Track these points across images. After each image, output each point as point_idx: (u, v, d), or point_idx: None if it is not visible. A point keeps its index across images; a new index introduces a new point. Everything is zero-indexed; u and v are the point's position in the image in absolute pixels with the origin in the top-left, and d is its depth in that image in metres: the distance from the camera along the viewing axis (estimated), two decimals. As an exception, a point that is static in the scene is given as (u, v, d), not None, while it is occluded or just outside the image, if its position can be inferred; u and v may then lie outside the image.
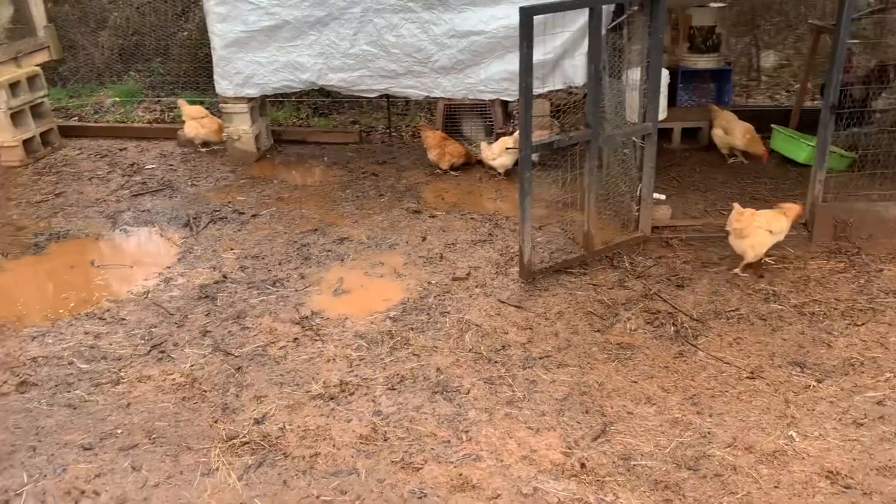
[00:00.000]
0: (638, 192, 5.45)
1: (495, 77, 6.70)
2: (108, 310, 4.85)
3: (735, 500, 3.21)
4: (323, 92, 8.07)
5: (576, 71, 6.52)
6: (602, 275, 5.12)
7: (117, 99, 9.42)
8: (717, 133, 7.00)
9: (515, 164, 6.72)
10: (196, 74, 9.32)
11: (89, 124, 8.73)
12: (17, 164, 7.41)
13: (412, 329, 4.53)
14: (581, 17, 6.20)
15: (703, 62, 7.34)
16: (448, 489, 3.31)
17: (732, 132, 6.86)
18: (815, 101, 7.94)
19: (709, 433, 3.60)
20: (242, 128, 7.35)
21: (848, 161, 6.36)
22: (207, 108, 8.04)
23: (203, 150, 7.76)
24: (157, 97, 9.40)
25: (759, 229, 4.90)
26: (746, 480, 3.31)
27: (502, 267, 5.25)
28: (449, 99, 7.25)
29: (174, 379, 4.13)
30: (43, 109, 7.88)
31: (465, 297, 4.88)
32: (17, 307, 4.94)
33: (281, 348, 4.39)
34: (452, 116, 7.77)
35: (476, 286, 5.02)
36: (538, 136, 5.78)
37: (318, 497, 3.28)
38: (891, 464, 3.38)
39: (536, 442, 3.58)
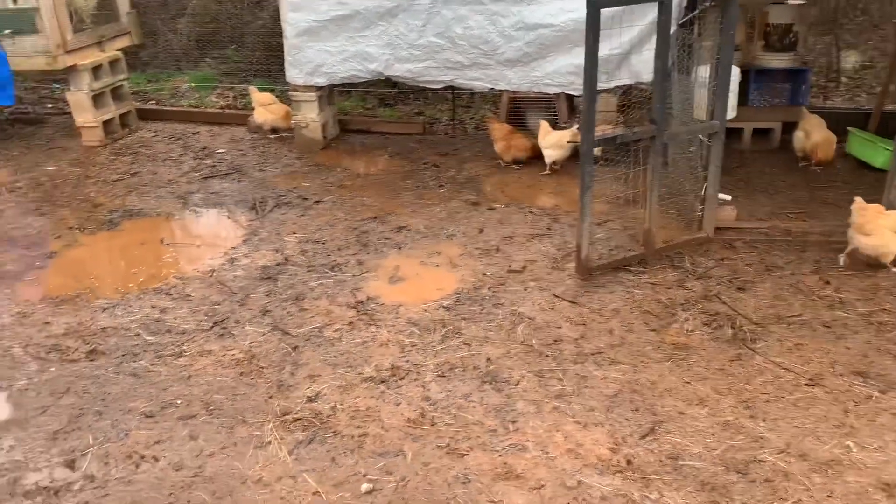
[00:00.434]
0: (703, 192, 5.33)
1: (561, 71, 6.66)
2: (174, 286, 5.04)
3: (785, 508, 3.14)
4: (389, 83, 8.16)
5: (644, 67, 6.42)
6: (661, 274, 5.05)
7: (193, 84, 9.73)
8: (799, 135, 6.80)
9: (568, 157, 6.69)
10: (268, 62, 9.53)
11: (165, 108, 9.06)
12: (97, 143, 7.75)
13: (465, 319, 4.57)
14: (651, 12, 6.07)
15: (778, 61, 7.11)
16: (492, 477, 3.33)
17: (810, 136, 6.66)
18: (897, 104, 7.62)
19: (761, 438, 3.53)
20: (310, 116, 7.49)
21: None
22: (278, 97, 8.23)
23: (272, 136, 7.95)
24: (231, 84, 9.67)
25: (884, 229, 4.81)
26: (798, 488, 3.23)
27: (559, 262, 5.23)
28: (514, 92, 7.24)
29: (233, 355, 4.27)
30: (122, 92, 8.21)
31: (519, 290, 4.88)
32: (91, 279, 5.18)
33: (336, 331, 4.48)
34: (517, 109, 7.74)
35: (531, 279, 5.01)
36: (601, 130, 5.72)
37: (364, 475, 3.36)
38: (954, 481, 3.25)
39: (583, 436, 3.57)
